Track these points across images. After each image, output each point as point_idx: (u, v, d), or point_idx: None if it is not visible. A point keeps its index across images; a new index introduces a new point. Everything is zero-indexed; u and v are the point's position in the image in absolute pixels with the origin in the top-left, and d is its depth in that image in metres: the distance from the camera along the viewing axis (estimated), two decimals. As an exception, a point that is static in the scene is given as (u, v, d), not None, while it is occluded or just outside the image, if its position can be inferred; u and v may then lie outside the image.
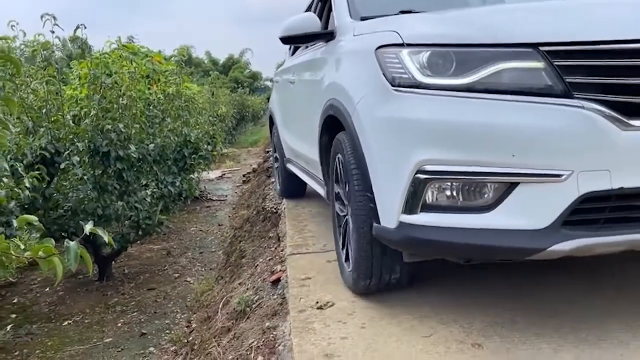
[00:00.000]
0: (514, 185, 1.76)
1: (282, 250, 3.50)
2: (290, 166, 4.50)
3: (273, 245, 3.90)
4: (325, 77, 2.85)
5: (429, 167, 1.85)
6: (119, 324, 4.52)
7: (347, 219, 2.44)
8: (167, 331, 4.27)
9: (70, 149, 4.58)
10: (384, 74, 2.05)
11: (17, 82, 4.33)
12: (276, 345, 2.22)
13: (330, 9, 3.32)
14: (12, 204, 3.73)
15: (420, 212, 1.89)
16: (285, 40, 3.10)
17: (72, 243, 1.40)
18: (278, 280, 2.95)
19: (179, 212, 7.73)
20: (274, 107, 5.10)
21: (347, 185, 2.37)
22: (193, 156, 6.51)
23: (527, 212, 1.75)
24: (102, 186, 4.82)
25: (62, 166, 4.53)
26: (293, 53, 4.58)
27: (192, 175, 6.86)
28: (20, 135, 4.53)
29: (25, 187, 3.67)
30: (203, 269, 5.85)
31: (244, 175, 10.84)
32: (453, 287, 2.44)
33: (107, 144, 4.66)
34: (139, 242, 6.02)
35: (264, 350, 2.25)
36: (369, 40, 2.29)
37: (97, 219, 4.61)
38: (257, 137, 19.53)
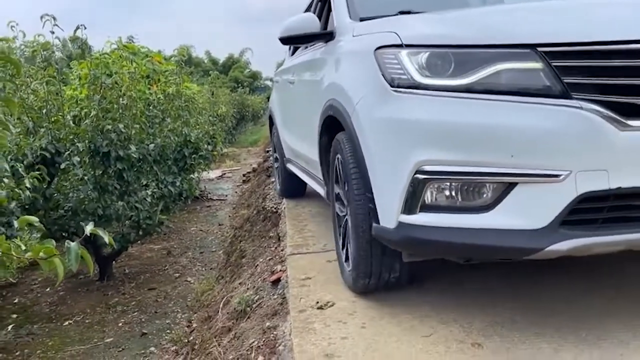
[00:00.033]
0: (512, 185, 1.77)
1: (282, 250, 3.50)
2: (290, 166, 4.50)
3: (273, 245, 3.91)
4: (324, 77, 2.85)
5: (428, 168, 1.86)
6: (120, 324, 4.52)
7: (347, 219, 2.45)
8: (168, 331, 4.28)
9: (70, 150, 4.60)
10: (383, 75, 2.06)
11: (17, 82, 4.32)
12: (276, 345, 2.23)
13: (329, 10, 3.33)
14: (13, 204, 3.73)
15: (420, 212, 1.90)
16: (284, 40, 3.10)
17: (72, 243, 1.40)
18: (278, 280, 2.96)
19: (180, 212, 7.73)
20: (274, 107, 5.10)
21: (346, 186, 2.38)
22: (193, 156, 6.51)
23: (526, 212, 1.76)
24: (103, 186, 4.83)
25: (62, 166, 4.55)
26: (293, 53, 4.58)
27: (192, 175, 6.87)
28: (21, 136, 4.54)
29: (26, 187, 3.67)
30: (203, 269, 5.86)
31: (244, 175, 10.84)
32: (453, 287, 2.45)
33: (107, 144, 4.67)
34: (139, 242, 6.03)
35: (265, 350, 2.26)
36: (368, 40, 2.30)
37: (97, 219, 4.63)
38: (257, 137, 19.52)
